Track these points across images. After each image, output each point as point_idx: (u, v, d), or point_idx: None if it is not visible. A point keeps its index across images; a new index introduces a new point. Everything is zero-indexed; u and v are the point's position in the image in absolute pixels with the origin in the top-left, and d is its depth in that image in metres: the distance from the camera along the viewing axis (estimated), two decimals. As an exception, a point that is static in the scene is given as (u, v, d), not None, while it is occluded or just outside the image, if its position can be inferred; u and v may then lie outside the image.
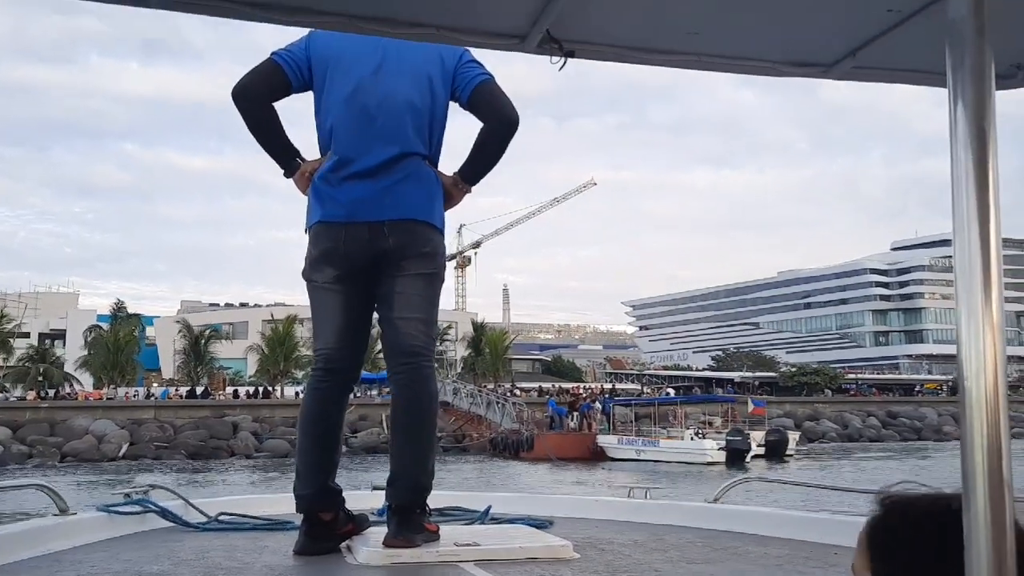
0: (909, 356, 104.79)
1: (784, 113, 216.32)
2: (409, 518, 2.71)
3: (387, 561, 2.44)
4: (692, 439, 33.11)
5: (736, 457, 30.84)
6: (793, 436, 35.65)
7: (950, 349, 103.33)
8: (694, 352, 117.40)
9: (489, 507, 3.36)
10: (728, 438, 31.84)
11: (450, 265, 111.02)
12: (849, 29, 1.33)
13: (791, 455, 33.90)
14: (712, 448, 31.09)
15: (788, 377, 67.91)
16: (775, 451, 32.43)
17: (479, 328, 63.75)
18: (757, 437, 32.54)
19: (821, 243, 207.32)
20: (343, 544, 2.75)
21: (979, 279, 0.86)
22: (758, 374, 71.37)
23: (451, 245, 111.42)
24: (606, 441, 36.21)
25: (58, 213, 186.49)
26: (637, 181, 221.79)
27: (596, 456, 35.15)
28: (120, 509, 3.13)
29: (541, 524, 3.20)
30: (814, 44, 1.38)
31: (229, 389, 52.01)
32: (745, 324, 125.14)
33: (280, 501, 3.55)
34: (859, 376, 79.50)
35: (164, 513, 3.21)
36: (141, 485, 3.40)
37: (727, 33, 1.32)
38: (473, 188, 3.03)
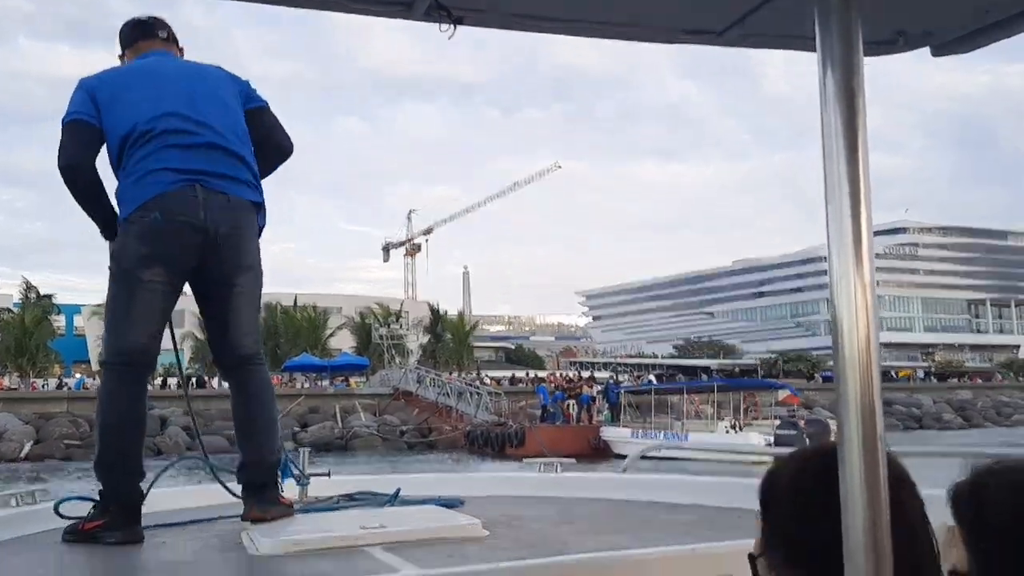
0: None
1: (726, 105, 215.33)
2: (263, 494, 2.84)
3: (291, 549, 2.35)
4: (728, 432, 27.74)
5: None
6: (834, 426, 30.24)
7: (904, 337, 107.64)
8: (648, 342, 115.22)
9: (398, 489, 3.23)
10: (778, 432, 26.05)
11: (399, 252, 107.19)
12: None
13: None
14: (759, 443, 25.74)
15: (770, 364, 63.92)
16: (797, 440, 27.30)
17: (438, 314, 58.58)
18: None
19: (773, 233, 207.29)
20: (244, 537, 2.56)
21: (850, 237, 0.91)
22: (738, 362, 67.80)
23: (400, 231, 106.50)
24: (613, 434, 30.65)
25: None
26: (586, 173, 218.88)
27: (598, 452, 29.53)
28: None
29: (452, 504, 3.08)
30: (704, 11, 1.38)
31: (159, 381, 45.73)
32: (700, 313, 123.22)
33: (187, 495, 3.38)
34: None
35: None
36: (31, 487, 3.19)
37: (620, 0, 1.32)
38: None
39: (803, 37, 1.38)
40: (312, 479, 3.35)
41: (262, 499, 2.83)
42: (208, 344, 3.07)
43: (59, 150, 2.86)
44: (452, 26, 1.31)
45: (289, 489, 3.10)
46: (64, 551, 2.59)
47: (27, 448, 31.75)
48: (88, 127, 2.84)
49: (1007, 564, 1.04)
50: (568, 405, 33.15)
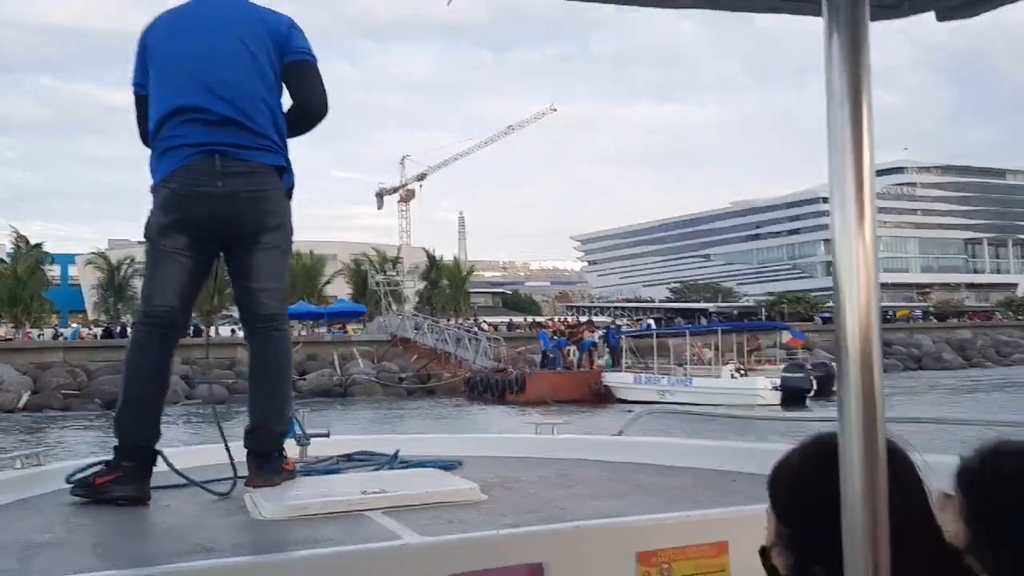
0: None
1: (721, 45, 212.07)
2: (268, 461, 2.86)
3: (294, 513, 2.37)
4: (734, 376, 26.88)
5: (795, 398, 24.96)
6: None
7: (901, 277, 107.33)
8: (644, 286, 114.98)
9: (397, 451, 3.30)
10: (784, 374, 25.73)
11: (393, 198, 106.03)
12: None
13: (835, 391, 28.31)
14: (765, 387, 25.05)
15: (770, 306, 63.57)
16: (824, 388, 26.12)
17: (434, 259, 58.04)
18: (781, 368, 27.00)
19: (770, 174, 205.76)
20: (248, 500, 2.59)
21: (853, 214, 0.91)
22: (737, 304, 67.48)
23: (394, 177, 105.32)
24: (616, 379, 30.29)
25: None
26: (580, 115, 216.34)
27: (600, 398, 29.27)
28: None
29: (450, 465, 3.15)
30: None
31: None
32: (696, 256, 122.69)
33: (195, 453, 3.39)
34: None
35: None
36: (35, 449, 3.19)
37: None
38: None
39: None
40: (312, 440, 3.40)
41: (266, 467, 2.85)
42: (237, 307, 3.07)
43: (137, 123, 3.04)
44: None
45: (289, 448, 3.12)
46: (69, 514, 2.58)
47: (25, 398, 31.54)
48: (146, 100, 2.97)
49: (1011, 545, 1.05)
50: (569, 351, 32.77)
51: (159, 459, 2.83)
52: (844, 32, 0.91)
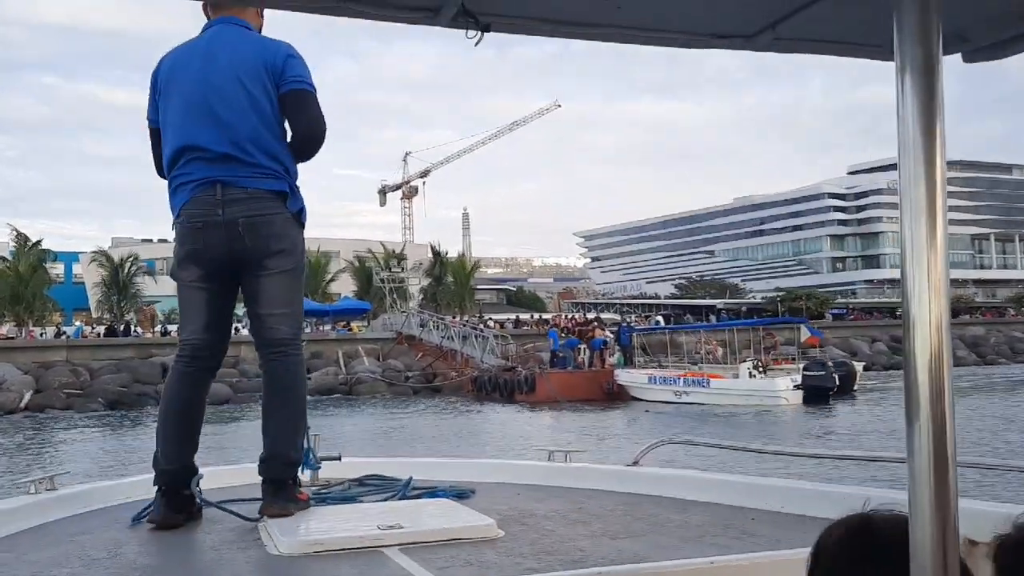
0: (868, 281, 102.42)
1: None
2: (283, 489, 2.89)
3: (309, 550, 2.38)
4: (752, 375, 25.59)
5: (817, 397, 24.08)
6: (859, 367, 28.73)
7: None
8: (647, 282, 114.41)
9: (410, 478, 3.32)
10: (806, 372, 24.77)
11: (396, 195, 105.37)
12: (769, 1, 1.34)
13: (857, 390, 27.15)
14: (786, 388, 24.09)
15: (778, 303, 62.72)
16: (843, 386, 25.58)
17: (439, 255, 57.41)
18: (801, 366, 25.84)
19: (773, 171, 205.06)
20: (264, 533, 2.63)
21: (924, 232, 0.92)
22: (745, 301, 66.81)
23: (396, 174, 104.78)
24: (629, 379, 29.41)
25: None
26: (582, 112, 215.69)
27: (612, 397, 28.56)
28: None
29: (463, 494, 3.18)
30: (732, 16, 1.39)
31: (160, 328, 44.96)
32: (700, 252, 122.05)
33: (219, 475, 3.41)
34: (850, 300, 76.00)
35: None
36: (46, 473, 3.23)
37: (647, 5, 1.32)
38: None
39: (835, 42, 1.44)
40: (323, 463, 3.43)
41: (281, 495, 2.88)
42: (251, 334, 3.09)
43: (152, 154, 3.16)
44: (480, 33, 1.29)
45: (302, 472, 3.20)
46: (87, 546, 2.55)
47: (27, 398, 31.05)
48: (158, 133, 3.11)
49: None
50: (580, 350, 32.15)
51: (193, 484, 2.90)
52: (918, 72, 0.93)
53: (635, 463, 3.43)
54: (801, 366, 25.67)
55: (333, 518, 2.72)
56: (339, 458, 3.58)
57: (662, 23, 1.38)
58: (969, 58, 1.41)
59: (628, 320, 45.31)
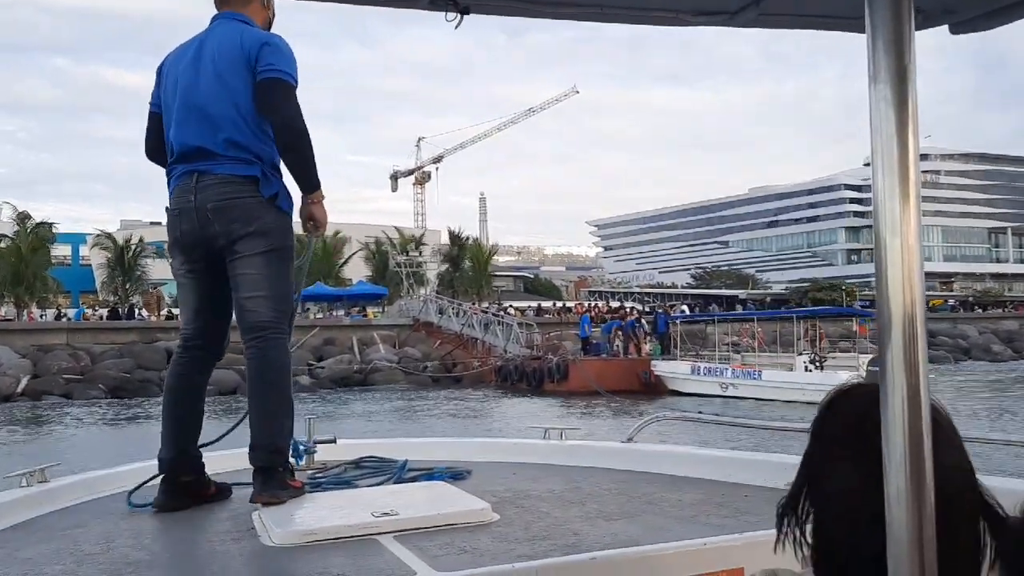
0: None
1: (736, 30, 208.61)
2: (272, 477, 2.89)
3: (303, 540, 2.38)
4: (808, 368, 23.17)
5: None
6: None
7: (926, 267, 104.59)
8: (660, 272, 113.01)
9: (405, 462, 3.36)
10: (871, 368, 22.71)
11: (408, 181, 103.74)
12: None
13: None
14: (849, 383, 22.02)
15: (801, 294, 61.00)
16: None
17: (457, 239, 55.43)
18: (863, 362, 23.75)
19: (788, 160, 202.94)
20: (257, 523, 2.62)
21: (898, 223, 0.92)
22: (769, 292, 65.02)
23: (409, 160, 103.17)
24: (670, 369, 27.25)
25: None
26: (595, 100, 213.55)
27: (649, 388, 26.53)
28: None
29: (459, 475, 3.22)
30: None
31: (167, 311, 43.14)
32: (714, 243, 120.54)
33: (220, 460, 3.39)
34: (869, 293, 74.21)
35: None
36: (38, 465, 3.15)
37: None
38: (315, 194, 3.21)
39: (819, 16, 1.47)
40: (319, 446, 3.50)
41: (269, 484, 2.87)
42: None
43: (145, 136, 3.30)
44: (459, 16, 1.29)
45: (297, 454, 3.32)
46: (79, 540, 2.54)
47: (24, 383, 29.31)
48: (157, 118, 3.24)
49: None
50: (616, 335, 29.89)
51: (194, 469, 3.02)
52: (890, 45, 0.93)
53: (629, 440, 3.44)
54: (864, 359, 23.48)
55: (327, 506, 2.72)
56: (334, 440, 3.65)
57: (647, 2, 1.37)
58: (955, 30, 1.40)
59: (655, 308, 43.00)
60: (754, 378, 23.46)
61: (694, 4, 1.39)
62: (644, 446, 3.42)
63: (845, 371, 22.86)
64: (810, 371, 23.36)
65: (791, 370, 23.76)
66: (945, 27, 1.40)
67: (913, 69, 0.92)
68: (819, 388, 21.14)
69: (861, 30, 0.97)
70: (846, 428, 1.00)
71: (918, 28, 1.14)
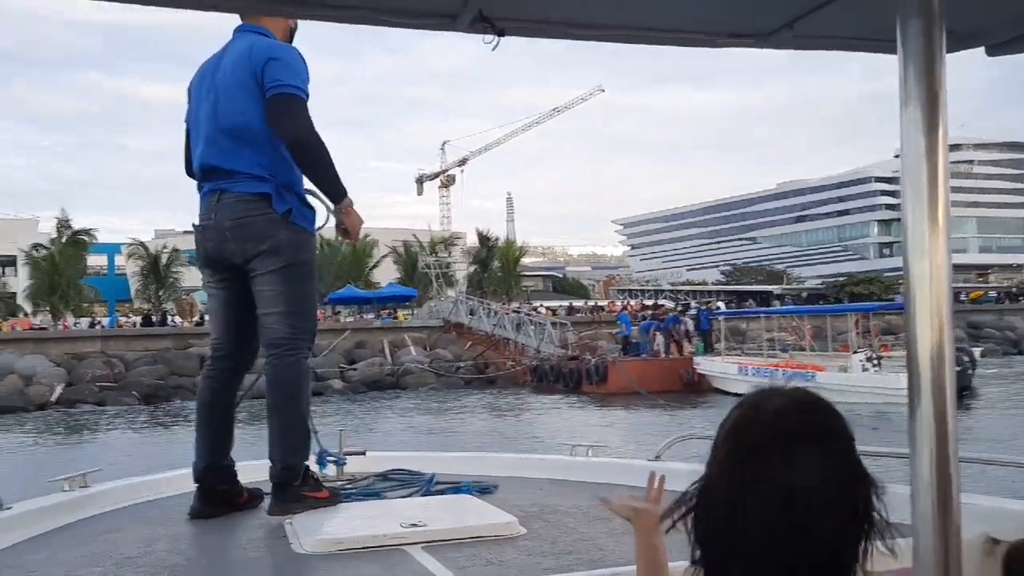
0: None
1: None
2: (284, 491, 2.99)
3: (332, 548, 2.44)
4: (865, 368, 21.51)
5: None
6: (976, 353, 24.77)
7: (959, 258, 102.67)
8: (688, 269, 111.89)
9: (433, 475, 3.43)
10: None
11: (433, 184, 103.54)
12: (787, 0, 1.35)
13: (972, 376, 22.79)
14: None
15: (838, 288, 59.90)
16: (960, 377, 22.05)
17: (485, 240, 54.98)
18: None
19: (814, 157, 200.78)
20: (289, 531, 2.73)
21: (926, 218, 0.96)
22: (803, 287, 63.95)
23: (434, 163, 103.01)
24: (715, 368, 26.30)
25: (27, 144, 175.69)
26: (615, 101, 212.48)
27: (690, 387, 25.89)
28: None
29: (486, 489, 3.27)
30: (749, 15, 1.38)
31: (198, 317, 43.08)
32: (742, 239, 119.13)
33: (248, 470, 3.39)
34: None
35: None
36: (79, 471, 3.23)
37: (659, 5, 1.33)
38: (344, 202, 3.20)
39: (853, 38, 1.47)
40: (349, 458, 3.60)
41: (281, 497, 2.97)
42: None
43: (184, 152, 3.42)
44: (496, 37, 1.31)
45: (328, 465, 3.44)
46: (118, 544, 2.58)
47: (58, 392, 29.24)
48: (188, 135, 3.36)
49: None
50: (656, 334, 29.17)
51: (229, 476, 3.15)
52: (921, 68, 0.94)
53: (657, 458, 3.44)
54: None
55: (357, 516, 2.76)
56: (364, 453, 3.74)
57: (674, 23, 1.37)
58: (992, 52, 1.42)
59: (688, 305, 42.04)
60: (807, 380, 21.79)
61: (727, 26, 1.39)
62: (671, 464, 3.41)
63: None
64: (867, 371, 21.86)
65: (846, 371, 22.32)
66: (981, 49, 1.39)
67: (944, 94, 0.92)
68: (881, 392, 19.60)
69: (893, 51, 0.95)
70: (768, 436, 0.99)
71: (949, 51, 1.11)
